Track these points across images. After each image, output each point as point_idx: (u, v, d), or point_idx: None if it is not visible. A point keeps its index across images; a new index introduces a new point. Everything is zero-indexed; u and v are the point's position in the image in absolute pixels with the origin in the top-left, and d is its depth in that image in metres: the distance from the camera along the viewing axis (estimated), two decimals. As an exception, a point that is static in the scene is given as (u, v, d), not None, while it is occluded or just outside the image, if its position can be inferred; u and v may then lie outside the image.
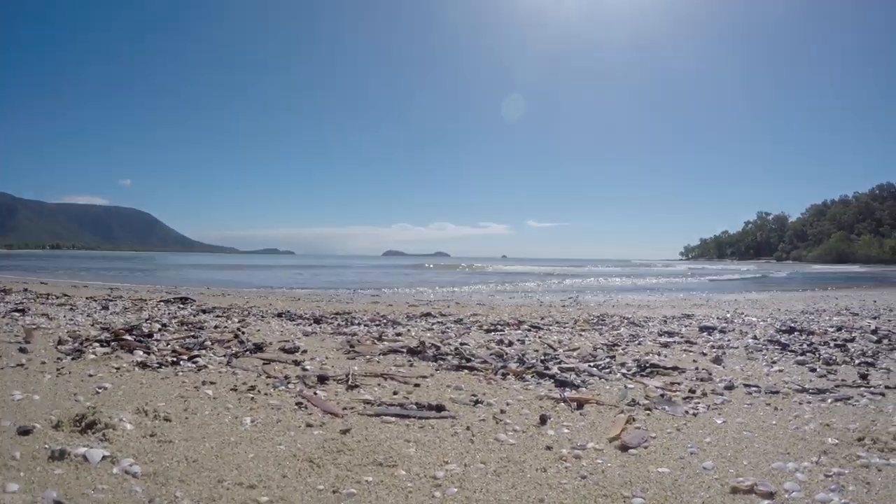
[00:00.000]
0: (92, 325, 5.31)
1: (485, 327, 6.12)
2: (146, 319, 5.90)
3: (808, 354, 4.50)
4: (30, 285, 11.65)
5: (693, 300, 12.36)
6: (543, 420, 2.69)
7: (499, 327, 6.14)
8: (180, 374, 3.46)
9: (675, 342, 5.14)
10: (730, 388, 3.40)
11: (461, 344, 4.91)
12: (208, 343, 4.45)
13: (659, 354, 4.53)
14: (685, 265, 78.84)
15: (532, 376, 3.67)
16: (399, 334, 5.43)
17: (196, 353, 4.03)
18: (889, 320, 7.05)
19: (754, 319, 7.14)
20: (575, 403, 3.00)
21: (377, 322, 6.43)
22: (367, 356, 4.23)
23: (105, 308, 7.06)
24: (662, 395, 3.20)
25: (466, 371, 3.83)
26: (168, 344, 4.36)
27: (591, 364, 4.04)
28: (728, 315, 7.83)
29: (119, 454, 2.07)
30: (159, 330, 5.08)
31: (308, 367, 3.77)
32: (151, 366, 3.60)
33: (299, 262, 65.13)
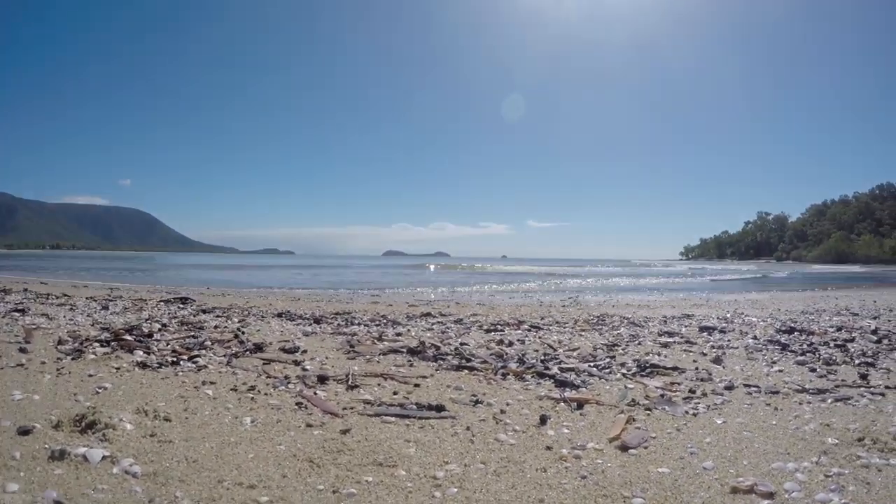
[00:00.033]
0: (92, 325, 5.31)
1: (485, 327, 6.12)
2: (146, 319, 5.90)
3: (808, 354, 4.50)
4: (30, 285, 11.65)
5: (693, 300, 12.36)
6: (543, 420, 2.69)
7: (499, 327, 6.13)
8: (180, 374, 3.46)
9: (675, 342, 5.14)
10: (730, 388, 3.40)
11: (461, 344, 4.90)
12: (208, 343, 4.45)
13: (659, 354, 4.53)
14: (685, 265, 78.84)
15: (532, 376, 3.66)
16: (399, 334, 5.43)
17: (196, 353, 4.03)
18: (889, 320, 7.05)
19: (754, 319, 7.14)
20: (575, 403, 3.00)
21: (377, 322, 6.42)
22: (367, 356, 4.23)
23: (105, 308, 7.06)
24: (662, 396, 3.20)
25: (466, 371, 3.83)
26: (168, 344, 4.36)
27: (591, 364, 4.04)
28: (728, 315, 7.83)
29: (119, 454, 2.07)
30: (159, 330, 5.07)
31: (308, 367, 3.76)
32: (151, 366, 3.60)
33: (299, 262, 65.12)
